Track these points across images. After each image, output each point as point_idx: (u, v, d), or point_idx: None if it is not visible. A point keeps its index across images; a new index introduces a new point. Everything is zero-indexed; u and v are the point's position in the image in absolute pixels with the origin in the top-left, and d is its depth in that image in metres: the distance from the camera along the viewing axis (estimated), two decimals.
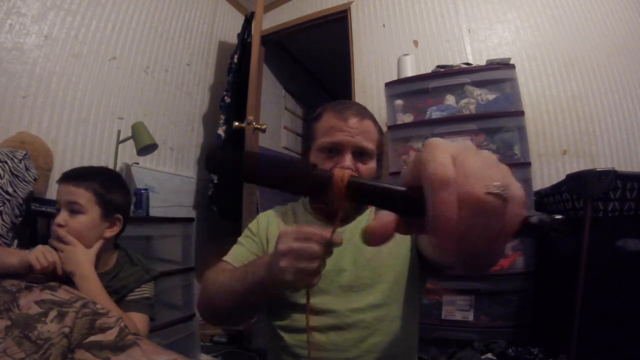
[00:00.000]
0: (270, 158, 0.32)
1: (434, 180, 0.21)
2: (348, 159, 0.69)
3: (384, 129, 1.77)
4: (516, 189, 0.22)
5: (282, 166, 0.32)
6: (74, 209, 0.79)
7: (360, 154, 0.71)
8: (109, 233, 0.83)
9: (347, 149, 0.70)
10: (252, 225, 0.80)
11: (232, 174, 0.34)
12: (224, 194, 2.16)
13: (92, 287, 0.73)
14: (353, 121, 0.71)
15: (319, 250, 0.45)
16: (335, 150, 0.71)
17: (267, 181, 0.32)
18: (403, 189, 0.25)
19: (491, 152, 0.24)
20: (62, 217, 0.78)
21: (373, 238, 0.27)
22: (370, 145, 0.72)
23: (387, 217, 0.27)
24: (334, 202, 0.28)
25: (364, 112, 0.74)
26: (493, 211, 0.21)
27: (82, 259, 0.75)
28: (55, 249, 0.77)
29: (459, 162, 0.22)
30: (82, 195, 0.79)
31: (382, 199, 0.27)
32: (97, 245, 0.80)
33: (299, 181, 0.31)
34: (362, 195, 0.28)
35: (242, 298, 0.59)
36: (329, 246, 0.46)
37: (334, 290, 0.66)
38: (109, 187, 0.84)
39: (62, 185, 0.81)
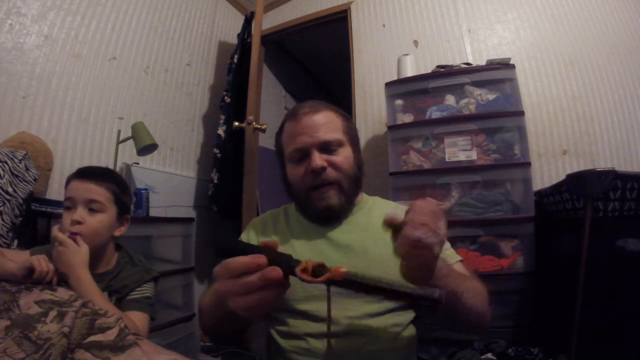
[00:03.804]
0: None
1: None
2: (316, 157, 0.67)
3: (384, 129, 1.77)
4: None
5: None
6: (94, 208, 0.80)
7: (328, 148, 0.69)
8: (118, 232, 0.87)
9: (312, 149, 0.68)
10: (243, 236, 0.80)
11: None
12: (224, 194, 2.16)
13: (87, 288, 0.72)
14: (307, 119, 0.70)
15: (255, 280, 0.38)
16: (302, 156, 0.70)
17: None
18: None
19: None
20: (80, 213, 0.78)
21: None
22: (334, 136, 0.70)
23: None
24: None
25: (317, 106, 0.72)
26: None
27: (74, 262, 0.73)
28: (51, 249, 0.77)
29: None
30: (103, 195, 0.82)
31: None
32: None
33: None
34: None
35: (223, 324, 0.59)
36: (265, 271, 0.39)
37: (331, 298, 0.66)
38: (123, 188, 0.88)
39: (79, 182, 0.81)
